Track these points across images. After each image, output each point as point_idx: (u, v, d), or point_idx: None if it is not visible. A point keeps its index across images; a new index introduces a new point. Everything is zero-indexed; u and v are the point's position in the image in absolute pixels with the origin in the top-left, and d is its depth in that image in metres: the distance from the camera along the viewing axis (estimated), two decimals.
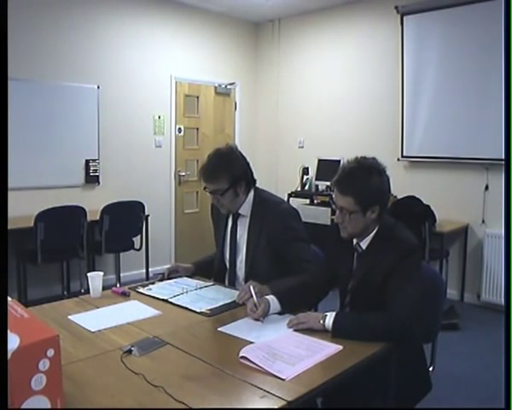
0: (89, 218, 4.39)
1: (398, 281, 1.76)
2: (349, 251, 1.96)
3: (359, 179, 1.82)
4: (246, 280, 2.28)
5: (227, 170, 2.19)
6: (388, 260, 1.80)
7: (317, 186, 5.57)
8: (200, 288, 2.28)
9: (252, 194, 2.31)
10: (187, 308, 2.01)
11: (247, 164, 2.30)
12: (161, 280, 2.39)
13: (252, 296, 1.92)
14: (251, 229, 2.29)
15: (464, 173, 4.78)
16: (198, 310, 1.98)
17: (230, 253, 2.37)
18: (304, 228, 2.31)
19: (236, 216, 2.34)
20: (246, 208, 2.30)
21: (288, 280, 2.09)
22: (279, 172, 6.02)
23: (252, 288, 1.94)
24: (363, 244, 1.91)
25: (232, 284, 2.37)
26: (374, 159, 1.90)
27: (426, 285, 1.94)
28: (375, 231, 1.90)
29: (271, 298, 1.91)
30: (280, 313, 1.91)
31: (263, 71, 6.53)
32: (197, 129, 6.04)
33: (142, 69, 5.42)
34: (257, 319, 1.85)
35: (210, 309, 2.00)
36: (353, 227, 1.86)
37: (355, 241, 1.94)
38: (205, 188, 2.25)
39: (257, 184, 2.36)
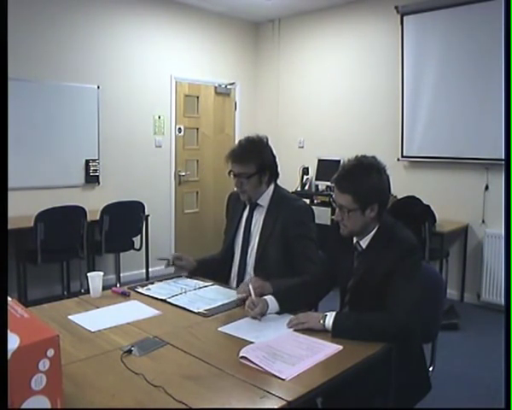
0: (89, 218, 4.38)
1: (398, 280, 1.76)
2: (349, 250, 1.96)
3: (358, 178, 1.83)
4: (255, 268, 2.32)
5: (257, 155, 2.28)
6: (388, 260, 1.80)
7: (317, 186, 5.57)
8: (199, 288, 2.28)
9: (272, 187, 2.37)
10: (185, 309, 2.01)
11: (274, 157, 2.37)
12: (168, 265, 2.43)
13: (250, 294, 1.93)
14: (266, 219, 2.34)
15: (464, 173, 4.78)
16: (196, 310, 1.98)
17: (243, 240, 2.40)
18: (315, 228, 2.35)
19: (254, 206, 2.39)
20: (264, 199, 2.36)
21: (289, 281, 2.11)
22: (279, 172, 6.00)
23: (250, 286, 1.96)
24: (363, 243, 1.92)
25: (242, 272, 2.39)
26: (374, 157, 1.90)
27: (426, 285, 1.94)
28: (374, 230, 1.90)
29: (270, 298, 1.92)
30: (279, 313, 1.92)
31: (263, 71, 6.53)
32: (197, 129, 6.04)
33: (142, 69, 5.41)
34: (254, 317, 1.86)
35: (208, 309, 2.00)
36: (352, 225, 1.87)
37: (355, 239, 1.94)
38: (230, 172, 2.31)
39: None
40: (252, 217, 2.40)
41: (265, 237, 2.31)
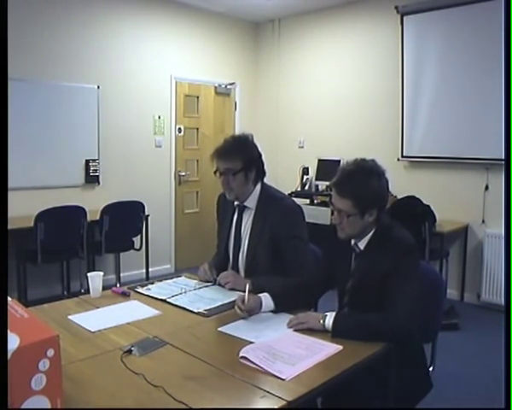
0: (89, 218, 4.38)
1: (397, 280, 1.76)
2: (347, 251, 1.96)
3: (358, 183, 1.81)
4: (245, 273, 2.31)
5: (243, 151, 2.25)
6: (386, 260, 1.80)
7: (317, 186, 5.57)
8: (200, 288, 2.28)
9: (259, 187, 2.33)
10: (185, 309, 2.01)
11: (260, 154, 2.34)
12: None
13: (245, 292, 1.93)
14: (254, 222, 2.31)
15: (464, 173, 4.78)
16: (195, 310, 1.98)
17: (234, 245, 2.38)
18: (306, 226, 2.33)
19: (242, 209, 2.36)
20: (252, 201, 2.32)
21: (272, 279, 2.12)
22: (279, 172, 6.01)
23: (247, 286, 1.96)
24: (361, 245, 1.91)
25: None
26: (373, 161, 1.89)
27: (426, 285, 1.95)
28: (372, 232, 1.90)
29: (264, 296, 1.93)
30: (274, 312, 1.92)
31: (263, 71, 6.53)
32: (197, 129, 6.04)
33: (142, 69, 5.41)
34: (243, 316, 1.87)
35: (207, 309, 1.99)
36: (351, 229, 1.86)
37: (353, 241, 1.94)
38: (215, 171, 2.28)
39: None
40: (241, 220, 2.36)
41: (254, 241, 2.29)
